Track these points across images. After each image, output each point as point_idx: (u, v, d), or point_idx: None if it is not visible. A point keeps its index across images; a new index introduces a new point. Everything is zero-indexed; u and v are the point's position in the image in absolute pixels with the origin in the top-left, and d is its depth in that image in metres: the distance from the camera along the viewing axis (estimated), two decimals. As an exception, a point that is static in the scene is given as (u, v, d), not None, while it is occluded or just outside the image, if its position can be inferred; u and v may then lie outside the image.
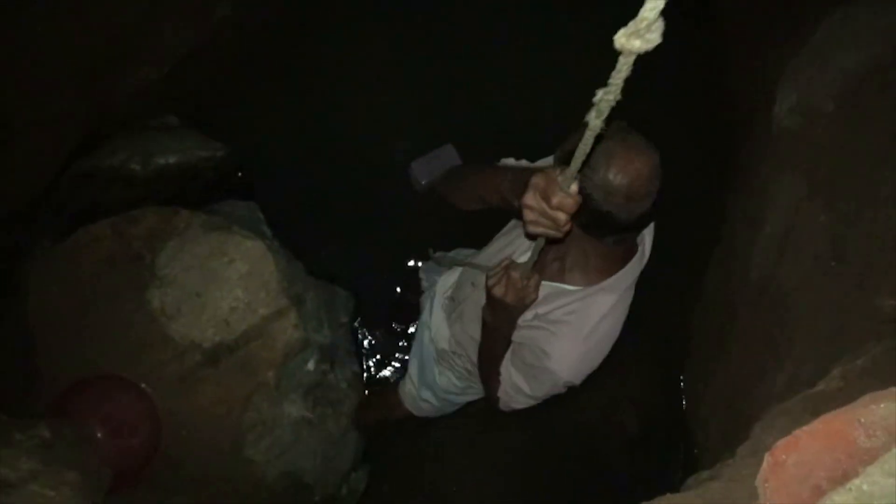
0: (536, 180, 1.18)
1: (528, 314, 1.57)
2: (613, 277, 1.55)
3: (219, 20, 2.71)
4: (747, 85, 2.67)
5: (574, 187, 1.14)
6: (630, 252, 1.60)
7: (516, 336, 1.63)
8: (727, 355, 2.36)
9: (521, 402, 1.72)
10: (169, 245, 2.12)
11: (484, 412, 2.86)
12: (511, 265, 1.48)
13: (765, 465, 0.56)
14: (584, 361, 1.60)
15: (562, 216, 1.16)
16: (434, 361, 2.11)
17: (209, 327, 2.07)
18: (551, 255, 1.56)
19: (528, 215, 1.21)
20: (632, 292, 1.63)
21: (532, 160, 1.78)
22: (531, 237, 1.33)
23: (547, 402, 2.82)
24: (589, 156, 1.02)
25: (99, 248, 2.14)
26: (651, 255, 2.98)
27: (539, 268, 1.50)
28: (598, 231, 1.47)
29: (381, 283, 2.92)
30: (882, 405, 0.52)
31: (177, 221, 2.16)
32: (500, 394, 1.71)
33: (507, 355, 1.66)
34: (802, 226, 1.98)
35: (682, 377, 2.81)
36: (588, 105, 0.86)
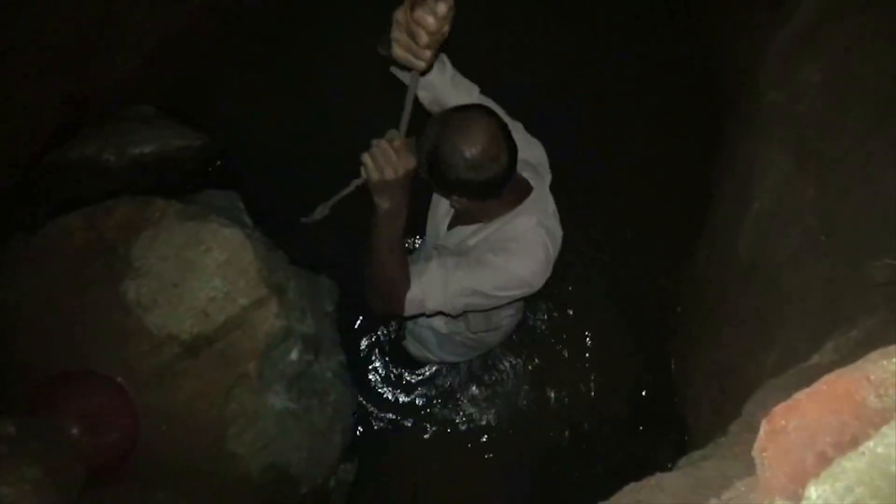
0: None
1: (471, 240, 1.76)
2: (521, 204, 1.73)
3: (196, 6, 2.65)
4: (734, 59, 2.63)
5: (442, 8, 1.20)
6: (525, 188, 1.77)
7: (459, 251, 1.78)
8: (717, 336, 2.34)
9: (439, 306, 1.76)
10: (143, 235, 2.06)
11: (473, 401, 2.85)
12: (384, 141, 1.53)
13: (762, 433, 0.52)
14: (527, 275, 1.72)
15: (423, 34, 1.22)
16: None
17: (187, 318, 2.02)
18: (463, 215, 1.79)
19: (395, 31, 1.27)
20: (554, 221, 1.79)
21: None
22: (397, 64, 1.39)
23: (537, 388, 2.82)
24: None
25: (72, 240, 2.07)
26: (639, 238, 2.97)
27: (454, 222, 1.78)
28: (482, 197, 1.65)
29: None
30: (895, 360, 0.48)
31: (151, 211, 2.10)
32: (416, 293, 1.73)
33: (446, 263, 1.73)
34: (791, 201, 1.95)
35: (672, 360, 2.78)
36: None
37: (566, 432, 2.78)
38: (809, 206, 1.88)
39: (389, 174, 1.52)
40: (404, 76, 1.61)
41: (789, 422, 0.49)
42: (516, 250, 1.67)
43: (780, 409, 0.51)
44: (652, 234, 2.90)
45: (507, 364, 2.87)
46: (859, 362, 0.50)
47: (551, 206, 1.82)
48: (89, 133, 2.41)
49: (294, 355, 2.22)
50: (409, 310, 1.76)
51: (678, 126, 2.87)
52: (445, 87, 1.77)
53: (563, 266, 2.86)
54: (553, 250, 1.74)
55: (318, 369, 2.37)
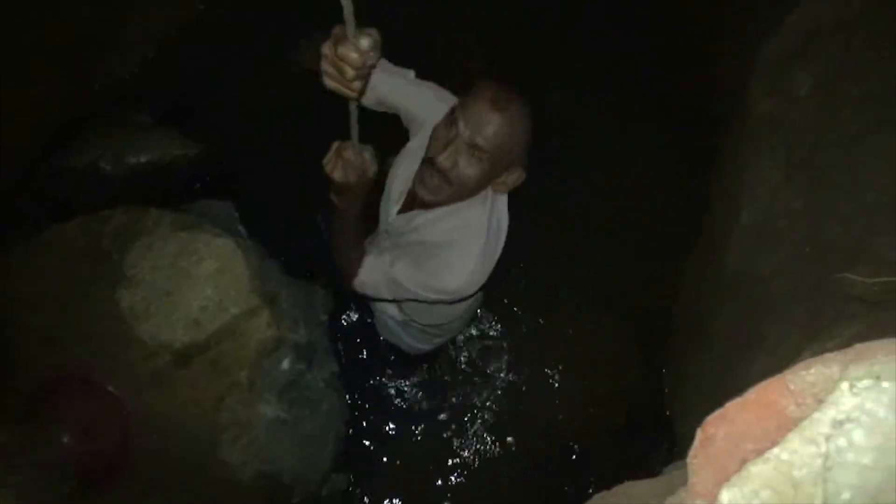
0: (335, 31, 1.29)
1: (412, 235, 1.79)
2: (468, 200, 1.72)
3: (193, 15, 2.68)
4: (726, 71, 2.65)
5: (364, 43, 1.24)
6: None
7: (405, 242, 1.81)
8: (708, 345, 2.34)
9: (382, 293, 1.82)
10: (137, 244, 2.08)
11: (465, 411, 2.85)
12: (340, 145, 1.58)
13: (696, 440, 0.53)
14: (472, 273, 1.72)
15: (348, 69, 1.27)
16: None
17: (179, 327, 2.03)
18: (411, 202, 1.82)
19: (323, 64, 1.32)
20: (500, 217, 1.77)
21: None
22: (329, 92, 1.43)
23: (529, 398, 2.82)
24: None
25: (67, 248, 2.10)
26: (632, 248, 2.97)
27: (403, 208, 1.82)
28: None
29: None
30: (812, 370, 0.49)
31: (146, 220, 2.12)
32: (362, 277, 1.80)
33: (393, 252, 1.77)
34: (779, 211, 1.96)
35: (664, 370, 2.78)
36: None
37: (559, 441, 2.78)
38: (797, 217, 1.89)
39: (339, 176, 1.58)
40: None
41: (719, 430, 0.50)
42: (448, 260, 1.70)
43: (711, 417, 0.52)
44: (645, 245, 2.91)
45: (498, 374, 2.87)
46: (785, 372, 0.51)
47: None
48: (87, 141, 2.44)
49: (286, 364, 2.23)
50: (360, 291, 1.86)
51: (674, 137, 2.88)
52: (379, 82, 1.80)
53: (555, 277, 2.90)
54: (490, 259, 1.75)
55: (310, 378, 2.38)
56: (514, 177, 1.69)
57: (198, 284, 2.06)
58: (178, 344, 2.04)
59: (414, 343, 2.45)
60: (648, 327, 2.83)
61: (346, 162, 1.58)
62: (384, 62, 1.82)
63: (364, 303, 2.90)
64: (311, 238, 2.80)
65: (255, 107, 2.91)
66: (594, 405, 2.78)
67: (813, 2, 2.10)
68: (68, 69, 2.37)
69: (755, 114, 2.17)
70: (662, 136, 2.94)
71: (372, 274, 1.80)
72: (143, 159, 2.50)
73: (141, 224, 2.13)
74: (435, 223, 1.76)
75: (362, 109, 1.58)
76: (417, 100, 1.85)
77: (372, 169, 1.62)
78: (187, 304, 2.05)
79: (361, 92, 1.39)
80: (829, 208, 1.76)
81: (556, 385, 2.85)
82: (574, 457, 2.73)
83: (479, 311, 2.70)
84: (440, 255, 1.71)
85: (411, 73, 1.88)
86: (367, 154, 1.60)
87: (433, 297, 1.75)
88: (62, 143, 2.45)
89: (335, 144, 1.59)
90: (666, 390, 2.71)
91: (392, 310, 2.21)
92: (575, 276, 2.91)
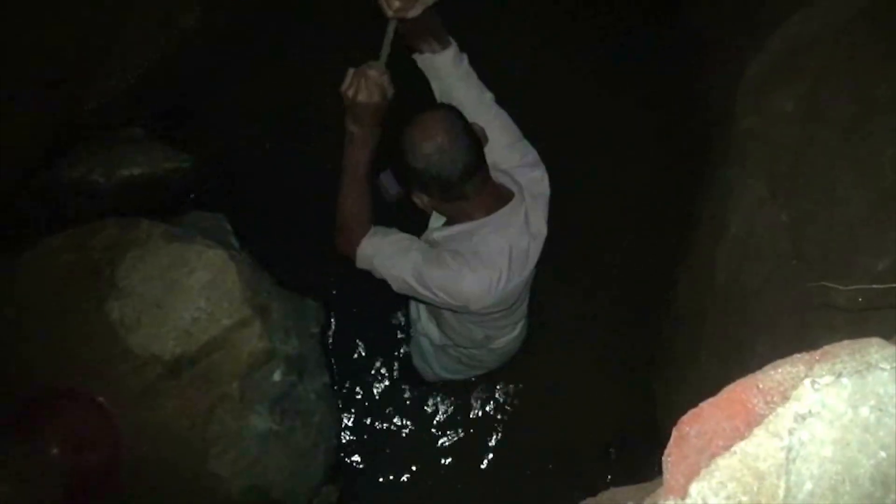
0: None
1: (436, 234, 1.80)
2: (496, 213, 1.71)
3: (185, 30, 2.70)
4: (715, 88, 2.68)
5: None
6: (503, 197, 1.75)
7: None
8: (697, 361, 2.35)
9: (377, 266, 1.80)
10: (128, 256, 2.08)
11: (458, 428, 2.85)
12: (362, 67, 1.62)
13: (671, 439, 0.55)
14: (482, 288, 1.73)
15: None
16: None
17: (170, 339, 2.04)
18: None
19: None
20: (527, 239, 1.77)
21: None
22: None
23: (522, 412, 2.82)
24: None
25: (58, 260, 2.10)
26: (624, 263, 2.99)
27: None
28: (442, 195, 1.66)
29: (354, 295, 2.89)
30: (780, 370, 0.52)
31: (137, 232, 2.13)
32: (367, 250, 1.79)
33: (412, 242, 1.78)
34: (764, 226, 1.98)
35: (655, 386, 2.79)
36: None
37: (551, 455, 2.78)
38: (782, 230, 1.91)
39: (363, 96, 1.60)
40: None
41: (692, 428, 0.52)
42: (473, 265, 1.69)
43: (686, 417, 0.54)
44: (636, 262, 2.93)
45: (490, 393, 2.88)
46: (756, 372, 0.53)
47: (533, 223, 1.80)
48: (79, 154, 2.45)
49: (277, 376, 2.24)
50: (360, 261, 1.82)
51: (666, 155, 2.91)
52: (454, 81, 1.82)
53: (546, 290, 2.91)
54: (511, 277, 1.75)
55: (301, 391, 2.39)
56: (421, 201, 1.74)
57: (189, 296, 2.07)
58: (169, 355, 2.04)
59: (443, 373, 2.48)
60: (639, 343, 2.84)
61: (370, 80, 1.60)
62: (467, 66, 1.86)
63: (363, 314, 2.92)
64: (303, 250, 2.82)
65: (247, 120, 2.93)
66: (586, 419, 2.78)
67: (798, 19, 2.14)
68: (60, 88, 2.38)
69: (741, 128, 2.20)
70: (651, 151, 2.97)
71: (383, 250, 1.78)
72: (135, 172, 2.51)
73: (132, 235, 2.14)
74: (458, 234, 1.77)
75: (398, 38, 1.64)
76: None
77: (391, 90, 1.64)
78: (178, 315, 2.06)
79: (401, 11, 1.53)
80: (812, 222, 1.79)
81: (548, 400, 2.86)
82: (566, 471, 2.73)
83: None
84: (467, 258, 1.70)
85: (489, 95, 1.88)
86: (387, 76, 1.64)
87: (443, 297, 1.73)
88: (53, 157, 2.45)
89: (351, 70, 1.63)
90: (657, 403, 2.72)
91: (433, 332, 2.22)
92: (565, 289, 2.92)
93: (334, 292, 2.89)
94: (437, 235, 1.80)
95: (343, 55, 2.97)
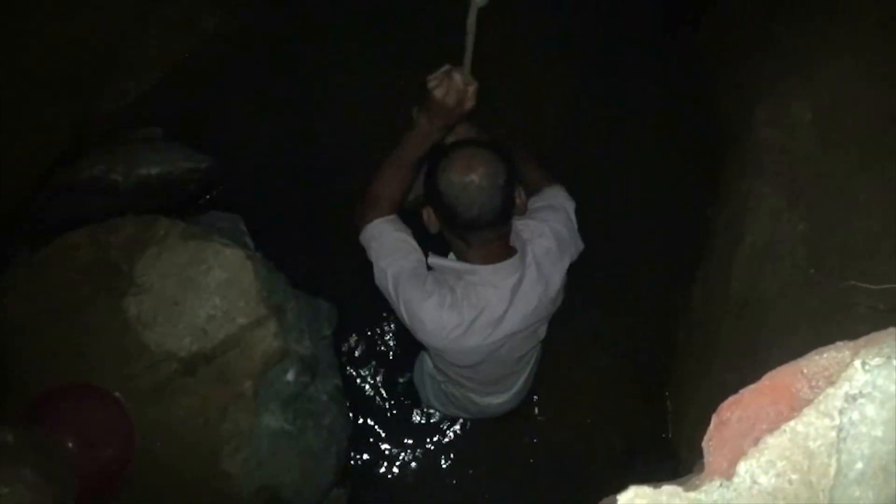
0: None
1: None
2: (491, 265, 1.67)
3: (204, 33, 2.73)
4: (732, 99, 2.69)
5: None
6: (503, 253, 1.70)
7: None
8: (710, 371, 2.35)
9: (370, 250, 1.80)
10: (147, 253, 2.10)
11: (467, 431, 2.85)
12: (453, 68, 1.59)
13: (711, 426, 0.55)
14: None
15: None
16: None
17: (186, 336, 2.05)
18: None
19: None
20: (503, 303, 1.71)
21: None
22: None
23: (532, 424, 2.81)
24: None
25: (76, 256, 2.12)
26: (638, 271, 2.98)
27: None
28: (445, 223, 1.66)
29: (367, 297, 2.89)
30: (825, 355, 0.52)
31: (156, 230, 2.14)
32: (373, 231, 1.79)
33: (413, 251, 1.76)
34: (782, 236, 1.99)
35: (667, 394, 2.79)
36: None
37: (561, 466, 2.77)
38: (800, 240, 1.91)
39: (440, 93, 1.58)
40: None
41: (733, 413, 0.52)
42: (442, 300, 1.67)
43: (726, 403, 0.55)
44: (650, 270, 2.93)
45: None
46: (798, 359, 0.54)
47: (523, 292, 1.72)
48: (98, 153, 2.47)
49: (290, 376, 2.24)
50: (364, 235, 1.81)
51: (681, 165, 2.91)
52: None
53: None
54: (469, 335, 1.71)
55: (314, 391, 2.39)
56: (428, 216, 1.74)
57: (206, 294, 2.08)
58: (185, 353, 2.05)
59: (433, 401, 2.46)
60: (652, 353, 2.84)
61: (452, 83, 1.58)
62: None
63: (375, 317, 2.92)
64: (317, 252, 2.83)
65: (265, 122, 2.96)
66: (596, 428, 2.78)
67: (817, 30, 2.15)
68: (81, 88, 2.41)
69: (758, 140, 2.20)
70: (670, 164, 2.98)
71: (382, 240, 1.77)
72: (153, 171, 2.53)
73: (151, 234, 2.16)
74: (447, 272, 1.76)
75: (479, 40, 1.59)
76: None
77: (471, 103, 1.62)
78: (195, 313, 2.07)
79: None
80: (830, 231, 1.79)
81: (559, 407, 2.85)
82: (575, 479, 2.73)
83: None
84: (443, 293, 1.69)
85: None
86: (473, 89, 1.61)
87: (402, 310, 1.72)
88: (73, 156, 2.48)
89: (447, 66, 1.61)
90: (669, 414, 2.71)
91: (428, 360, 2.23)
92: (577, 299, 2.92)
93: (347, 294, 2.90)
94: (432, 261, 1.75)
95: (364, 59, 3.04)
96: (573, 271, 2.61)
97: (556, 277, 1.80)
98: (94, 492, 1.92)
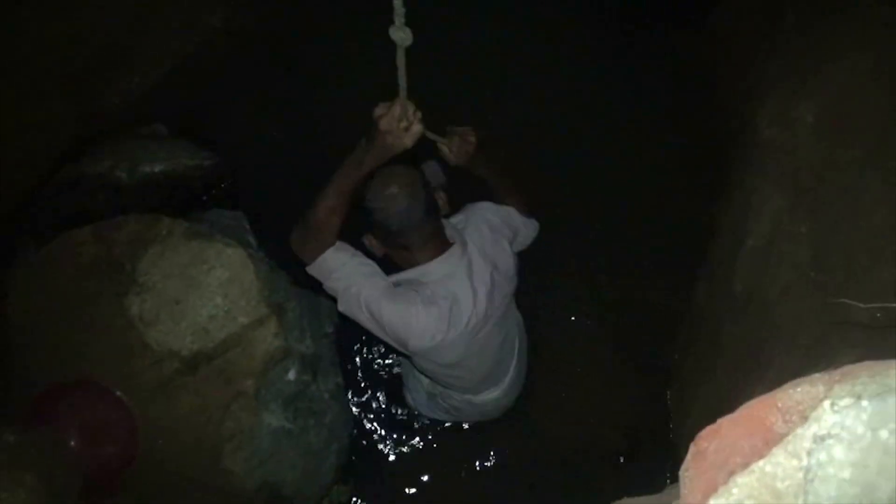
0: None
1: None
2: (440, 256, 1.89)
3: (209, 30, 2.73)
4: (735, 99, 2.67)
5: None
6: (443, 246, 1.91)
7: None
8: (712, 371, 2.34)
9: (331, 281, 1.91)
10: (150, 252, 2.11)
11: (467, 432, 2.85)
12: (401, 99, 1.64)
13: (689, 454, 0.55)
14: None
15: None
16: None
17: (188, 335, 2.06)
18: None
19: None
20: (467, 291, 1.91)
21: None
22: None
23: (533, 422, 2.81)
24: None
25: (80, 254, 2.13)
26: (640, 271, 2.97)
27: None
28: (385, 240, 1.90)
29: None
30: (799, 389, 0.52)
31: (158, 228, 2.15)
32: (323, 260, 1.90)
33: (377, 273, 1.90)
34: (785, 236, 1.97)
35: (668, 394, 2.78)
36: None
37: (562, 461, 2.77)
38: (803, 241, 1.90)
39: (384, 125, 1.62)
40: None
41: (710, 444, 0.52)
42: (427, 303, 1.85)
43: (704, 432, 0.54)
44: (652, 269, 2.92)
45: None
46: (774, 391, 0.53)
47: (476, 273, 1.93)
48: (103, 149, 2.48)
49: (292, 375, 2.25)
50: (315, 268, 1.91)
51: (685, 165, 2.89)
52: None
53: (559, 300, 2.91)
54: (450, 327, 1.88)
55: (315, 390, 2.40)
56: (370, 242, 1.97)
57: (207, 293, 2.09)
58: (186, 351, 2.06)
59: (422, 408, 2.60)
60: (652, 351, 2.83)
61: (393, 113, 1.61)
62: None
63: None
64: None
65: (269, 120, 2.96)
66: (599, 427, 2.78)
67: (822, 29, 2.12)
68: (86, 85, 2.42)
69: (762, 140, 2.19)
70: (669, 159, 2.96)
71: (345, 269, 1.88)
72: (157, 169, 2.54)
73: (153, 232, 2.17)
74: (405, 277, 1.96)
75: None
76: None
77: (413, 137, 1.65)
78: (196, 311, 2.08)
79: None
80: (834, 234, 1.77)
81: (560, 407, 2.85)
82: (577, 478, 2.73)
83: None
84: (410, 296, 1.87)
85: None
86: (415, 129, 1.64)
87: (387, 327, 1.87)
88: (77, 152, 2.49)
89: (399, 98, 1.64)
90: (671, 414, 2.71)
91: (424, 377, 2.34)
92: (579, 298, 2.92)
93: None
94: (393, 279, 1.93)
95: (365, 58, 3.02)
96: (573, 271, 2.63)
97: (502, 257, 2.01)
98: (96, 489, 1.93)
